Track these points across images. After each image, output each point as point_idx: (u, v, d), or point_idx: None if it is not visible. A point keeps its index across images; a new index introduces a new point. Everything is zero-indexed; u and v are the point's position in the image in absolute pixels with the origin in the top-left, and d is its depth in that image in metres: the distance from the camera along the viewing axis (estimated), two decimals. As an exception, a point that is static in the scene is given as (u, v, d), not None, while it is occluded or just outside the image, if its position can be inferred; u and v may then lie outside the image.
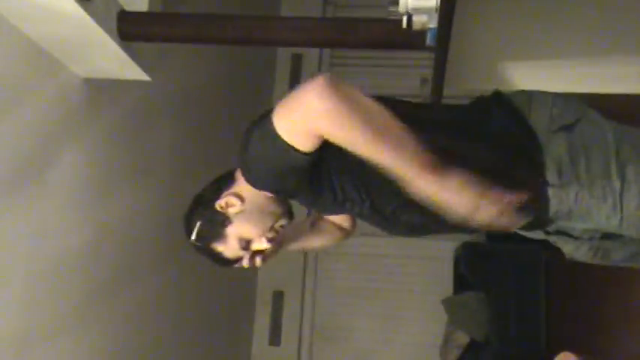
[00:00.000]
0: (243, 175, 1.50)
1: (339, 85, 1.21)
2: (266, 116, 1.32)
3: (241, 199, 1.57)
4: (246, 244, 1.59)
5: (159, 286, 2.79)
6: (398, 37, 1.69)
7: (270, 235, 1.60)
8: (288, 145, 1.28)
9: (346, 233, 1.88)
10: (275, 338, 4.43)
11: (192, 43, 2.07)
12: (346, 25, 1.85)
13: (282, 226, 1.63)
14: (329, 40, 2.06)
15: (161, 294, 2.82)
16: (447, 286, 4.12)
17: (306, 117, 1.23)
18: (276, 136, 1.28)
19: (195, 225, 1.60)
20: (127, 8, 1.83)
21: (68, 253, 2.04)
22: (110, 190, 2.31)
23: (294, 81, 4.37)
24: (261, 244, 1.60)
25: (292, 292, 4.49)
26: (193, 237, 1.60)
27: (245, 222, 1.57)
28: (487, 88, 1.64)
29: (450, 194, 1.27)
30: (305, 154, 1.30)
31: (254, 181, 1.48)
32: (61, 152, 1.95)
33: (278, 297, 4.46)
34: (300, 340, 4.44)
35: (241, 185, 1.56)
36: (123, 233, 2.42)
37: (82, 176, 2.11)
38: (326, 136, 1.26)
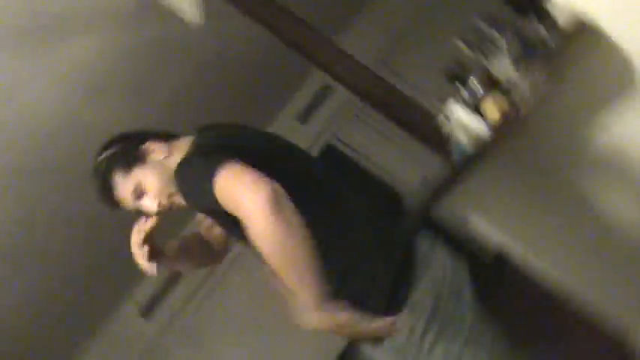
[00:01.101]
0: (176, 176, 1.46)
1: (284, 208, 1.23)
2: (215, 162, 1.32)
3: (167, 155, 1.56)
4: (139, 194, 1.56)
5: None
6: (430, 132, 1.72)
7: (164, 201, 1.57)
8: (213, 197, 1.30)
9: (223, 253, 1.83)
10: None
11: (255, 22, 2.07)
12: (392, 93, 1.88)
13: (177, 204, 1.58)
14: (369, 95, 2.09)
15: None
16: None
17: (243, 213, 1.25)
18: (210, 185, 1.29)
19: (110, 147, 1.58)
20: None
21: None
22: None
23: (310, 109, 4.35)
24: (152, 202, 1.56)
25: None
26: (102, 156, 1.57)
27: (154, 173, 1.55)
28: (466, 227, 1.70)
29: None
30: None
31: (180, 188, 1.47)
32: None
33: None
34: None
35: (174, 153, 1.55)
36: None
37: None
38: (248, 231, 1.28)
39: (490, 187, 2.48)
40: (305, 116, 4.39)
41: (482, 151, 1.93)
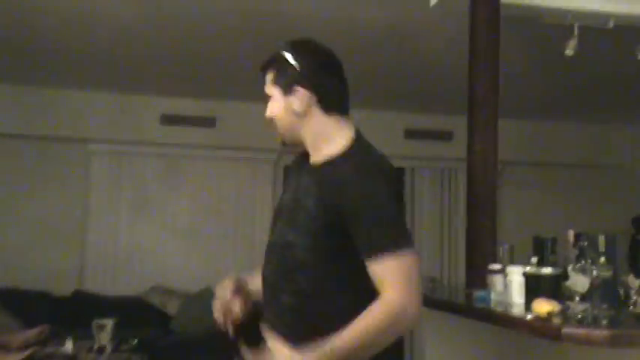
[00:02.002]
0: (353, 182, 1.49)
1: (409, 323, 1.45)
2: (404, 237, 1.47)
3: (302, 114, 1.60)
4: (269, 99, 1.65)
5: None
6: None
7: (273, 126, 1.66)
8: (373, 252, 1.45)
9: None
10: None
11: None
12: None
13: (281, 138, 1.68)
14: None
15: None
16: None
17: (393, 289, 1.42)
18: (386, 249, 1.44)
19: (294, 55, 1.61)
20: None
21: None
22: None
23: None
24: (270, 113, 1.65)
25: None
26: (281, 57, 1.62)
27: (281, 112, 1.62)
28: None
29: None
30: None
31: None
32: None
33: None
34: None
35: (313, 118, 1.60)
36: None
37: None
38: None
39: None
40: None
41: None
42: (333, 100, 1.62)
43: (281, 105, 1.61)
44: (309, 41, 1.67)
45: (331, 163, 1.52)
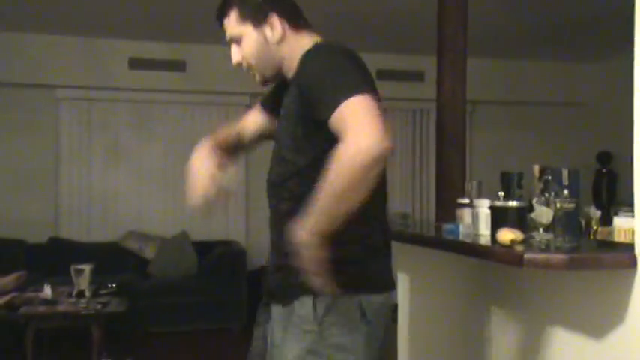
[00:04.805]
0: (310, 56, 1.50)
1: (380, 165, 1.31)
2: (361, 82, 1.40)
3: (280, 39, 1.60)
4: (235, 42, 1.64)
5: None
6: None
7: (244, 65, 1.65)
8: (330, 104, 1.36)
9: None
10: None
11: None
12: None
13: (252, 74, 1.66)
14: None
15: None
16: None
17: (353, 135, 1.30)
18: (342, 96, 1.35)
19: None
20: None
21: None
22: None
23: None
24: (236, 57, 1.65)
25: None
26: None
27: (256, 45, 1.61)
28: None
29: None
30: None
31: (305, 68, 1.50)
32: None
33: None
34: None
35: (290, 39, 1.60)
36: None
37: None
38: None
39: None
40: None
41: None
42: (298, 17, 1.64)
43: (255, 39, 1.60)
44: None
45: (301, 62, 1.52)
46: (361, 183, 1.30)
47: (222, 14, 1.65)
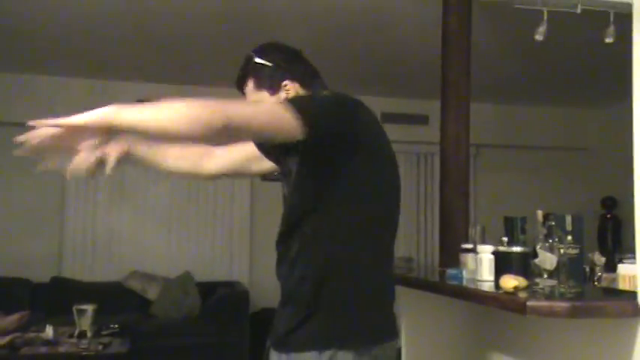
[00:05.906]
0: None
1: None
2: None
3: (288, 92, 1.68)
4: None
5: None
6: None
7: None
8: None
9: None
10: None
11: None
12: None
13: None
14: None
15: None
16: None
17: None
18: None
19: (271, 54, 1.71)
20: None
21: None
22: None
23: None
24: None
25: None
26: (257, 59, 1.70)
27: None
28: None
29: None
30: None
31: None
32: None
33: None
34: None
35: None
36: None
37: None
38: None
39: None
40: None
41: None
42: (310, 77, 1.73)
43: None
44: (269, 43, 1.76)
45: None
46: (184, 125, 1.40)
47: (241, 85, 1.75)
